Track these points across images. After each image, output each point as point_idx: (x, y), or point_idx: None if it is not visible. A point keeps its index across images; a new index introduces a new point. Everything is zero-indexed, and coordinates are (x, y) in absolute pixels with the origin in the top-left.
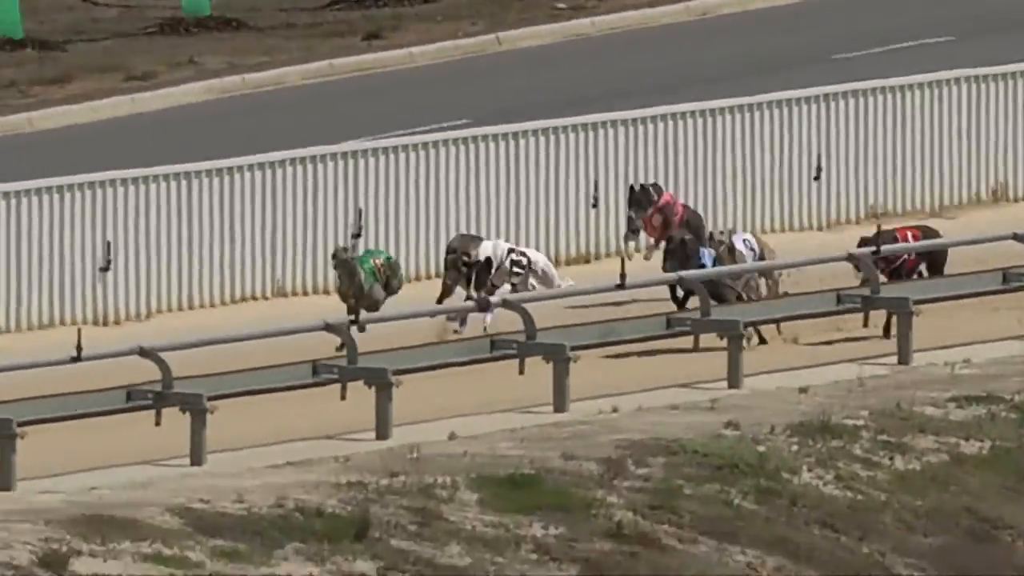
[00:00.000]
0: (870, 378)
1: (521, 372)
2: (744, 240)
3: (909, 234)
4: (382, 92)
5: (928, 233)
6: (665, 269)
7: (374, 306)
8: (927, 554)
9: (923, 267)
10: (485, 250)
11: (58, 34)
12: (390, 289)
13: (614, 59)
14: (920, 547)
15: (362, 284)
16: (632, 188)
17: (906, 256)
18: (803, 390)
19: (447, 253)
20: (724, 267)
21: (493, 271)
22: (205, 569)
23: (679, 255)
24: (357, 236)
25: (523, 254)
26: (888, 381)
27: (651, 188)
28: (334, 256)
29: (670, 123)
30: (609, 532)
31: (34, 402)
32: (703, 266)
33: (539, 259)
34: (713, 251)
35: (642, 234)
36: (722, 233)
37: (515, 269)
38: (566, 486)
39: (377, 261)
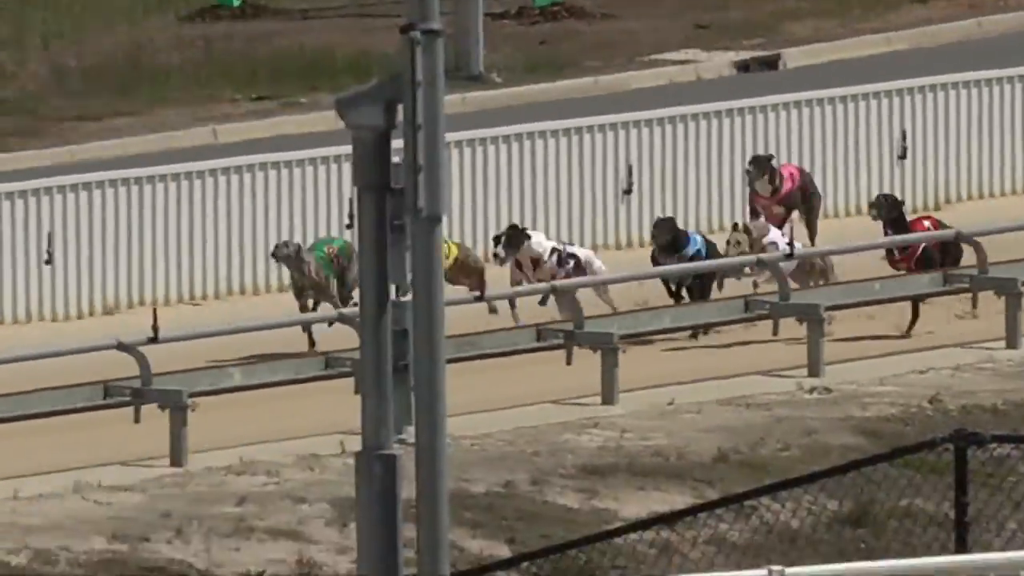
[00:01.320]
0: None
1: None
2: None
3: (928, 223)
4: None
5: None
6: (658, 262)
7: (330, 298)
8: None
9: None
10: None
11: None
12: (345, 279)
13: None
14: None
15: (313, 273)
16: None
17: (925, 245)
18: None
19: None
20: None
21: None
22: None
23: (670, 247)
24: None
25: (572, 255)
26: None
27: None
28: (273, 254)
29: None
30: None
31: None
32: (695, 253)
33: (592, 260)
34: (701, 237)
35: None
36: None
37: (559, 268)
38: None
39: (331, 248)
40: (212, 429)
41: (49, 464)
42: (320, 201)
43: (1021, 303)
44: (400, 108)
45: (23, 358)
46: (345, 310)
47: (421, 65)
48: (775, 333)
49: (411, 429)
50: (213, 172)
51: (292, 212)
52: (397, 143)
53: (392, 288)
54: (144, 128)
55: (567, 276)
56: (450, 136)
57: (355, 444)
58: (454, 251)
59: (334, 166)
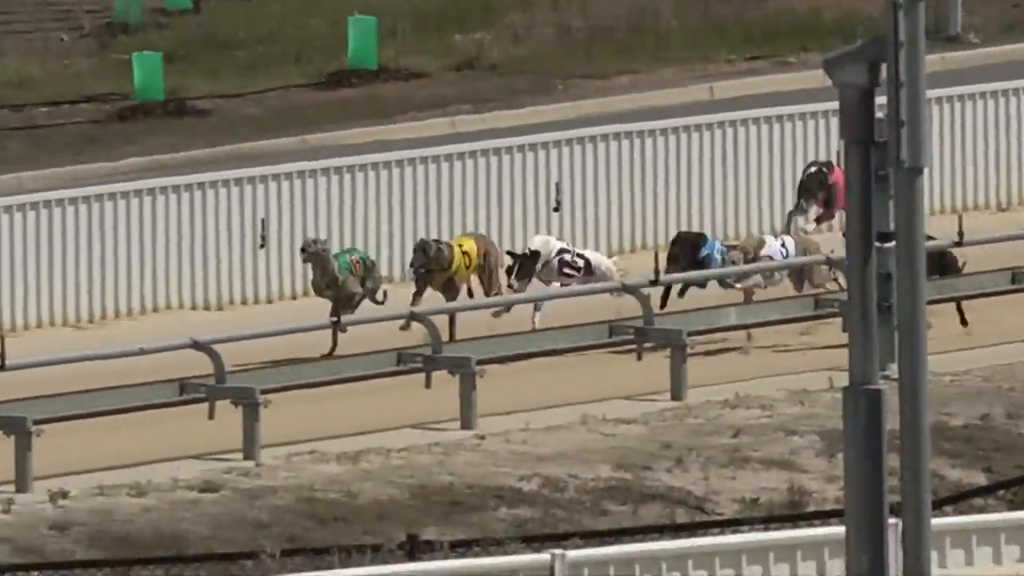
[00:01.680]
0: None
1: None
2: (784, 243)
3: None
4: None
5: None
6: (668, 271)
7: (349, 300)
8: None
9: None
10: (534, 243)
11: None
12: (365, 289)
13: None
14: None
15: (336, 274)
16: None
17: None
18: None
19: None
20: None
21: (539, 266)
22: None
23: (684, 257)
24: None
25: (580, 255)
26: None
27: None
28: (303, 250)
29: None
30: None
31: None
32: (706, 259)
33: (600, 261)
34: (722, 245)
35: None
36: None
37: (565, 270)
38: None
39: (353, 257)
40: (710, 367)
41: (558, 398)
42: (808, 153)
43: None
44: (883, 67)
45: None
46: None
47: (903, 27)
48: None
49: (894, 366)
50: (709, 126)
51: (783, 162)
52: (880, 100)
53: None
54: (645, 86)
55: (573, 277)
56: (930, 93)
57: (843, 380)
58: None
59: (822, 121)
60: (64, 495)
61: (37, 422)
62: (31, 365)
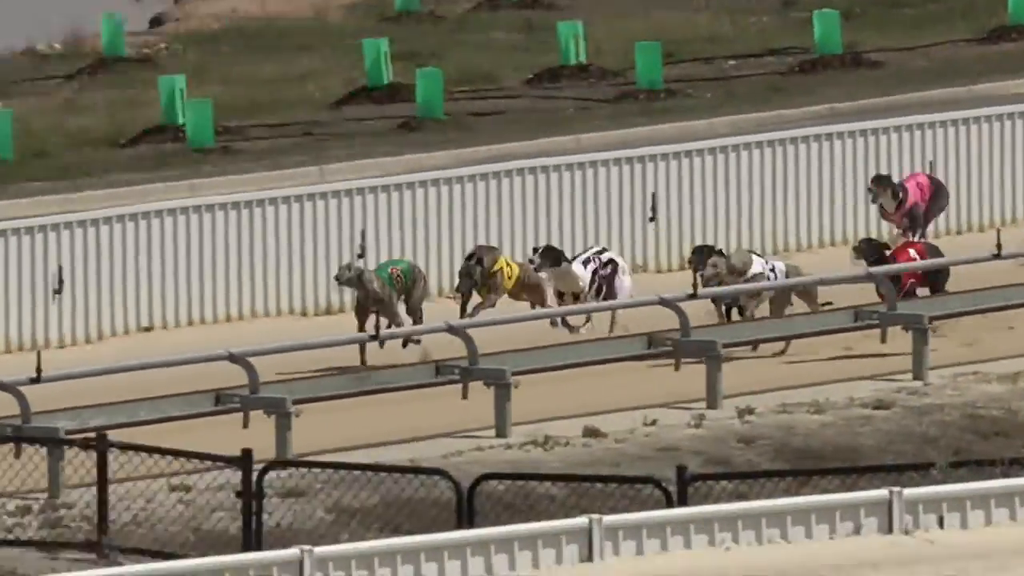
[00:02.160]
0: None
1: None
2: (773, 266)
3: (913, 251)
4: None
5: (935, 252)
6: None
7: (393, 317)
8: None
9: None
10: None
11: None
12: (411, 299)
13: None
14: None
15: (377, 291)
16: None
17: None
18: None
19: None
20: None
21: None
22: None
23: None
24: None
25: (611, 261)
26: None
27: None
28: (337, 279)
29: None
30: None
31: None
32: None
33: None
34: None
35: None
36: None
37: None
38: None
39: (395, 269)
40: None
41: None
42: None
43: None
44: None
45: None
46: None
47: None
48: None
49: None
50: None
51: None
52: None
53: None
54: None
55: (601, 284)
56: None
57: None
58: (516, 271)
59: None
60: (750, 412)
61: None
62: None
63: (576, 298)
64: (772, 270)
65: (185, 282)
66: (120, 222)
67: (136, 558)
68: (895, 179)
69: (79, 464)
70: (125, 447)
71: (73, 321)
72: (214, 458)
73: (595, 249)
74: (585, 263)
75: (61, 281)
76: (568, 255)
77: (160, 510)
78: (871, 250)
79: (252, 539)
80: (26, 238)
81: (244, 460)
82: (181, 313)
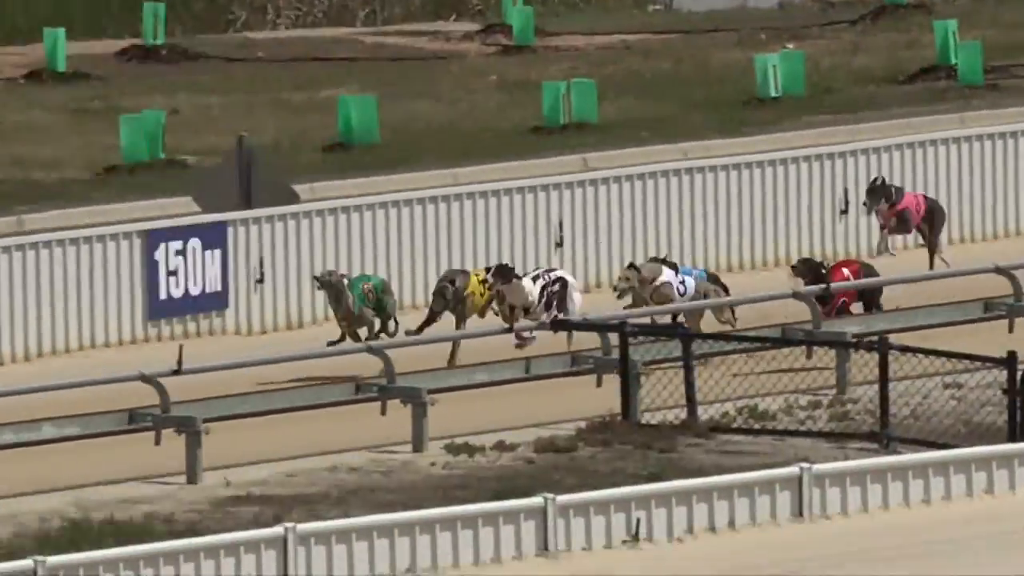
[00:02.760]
0: None
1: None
2: (683, 279)
3: (846, 270)
4: None
5: (868, 271)
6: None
7: (369, 329)
8: None
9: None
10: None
11: None
12: (383, 312)
13: None
14: None
15: (350, 306)
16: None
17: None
18: None
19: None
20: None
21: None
22: None
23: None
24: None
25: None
26: None
27: (892, 188)
28: (318, 279)
29: None
30: None
31: None
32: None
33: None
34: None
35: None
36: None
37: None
38: None
39: (366, 286)
40: None
41: None
42: None
43: None
44: None
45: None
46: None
47: None
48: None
49: None
50: None
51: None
52: None
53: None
54: None
55: (551, 300)
56: None
57: None
58: (483, 294)
59: None
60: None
61: None
62: None
63: (526, 312)
64: (683, 283)
65: None
66: (899, 150)
67: (913, 448)
68: None
69: (863, 364)
70: (904, 349)
71: None
72: (983, 359)
73: (545, 268)
74: (535, 279)
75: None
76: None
77: (935, 405)
78: (807, 269)
79: (1016, 431)
80: (815, 164)
81: (1009, 361)
82: None
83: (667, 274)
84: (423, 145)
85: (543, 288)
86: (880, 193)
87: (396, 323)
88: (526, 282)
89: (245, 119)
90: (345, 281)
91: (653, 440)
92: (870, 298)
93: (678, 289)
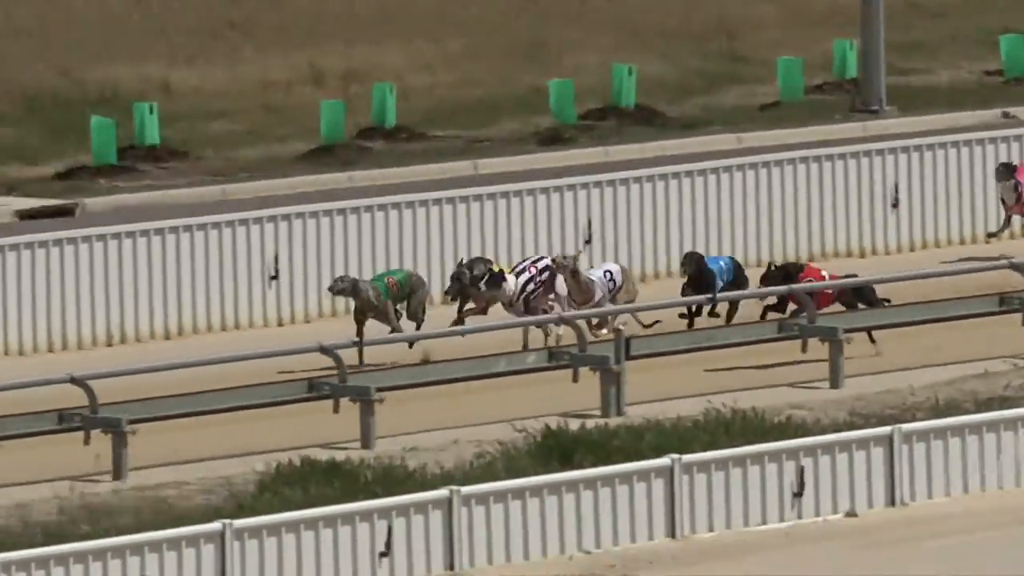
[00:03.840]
0: None
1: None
2: (606, 271)
3: (825, 273)
4: None
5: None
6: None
7: (388, 320)
8: None
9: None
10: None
11: None
12: (410, 305)
13: None
14: None
15: (371, 300)
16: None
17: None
18: None
19: (457, 267)
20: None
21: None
22: None
23: (694, 272)
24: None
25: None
26: None
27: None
28: (330, 290)
29: None
30: None
31: None
32: (712, 280)
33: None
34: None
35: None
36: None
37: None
38: None
39: (391, 279)
40: None
41: None
42: None
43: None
44: None
45: None
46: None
47: None
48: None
49: None
50: None
51: None
52: None
53: None
54: None
55: (536, 290)
56: None
57: None
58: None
59: None
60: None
61: None
62: None
63: (508, 306)
64: (605, 275)
65: None
66: None
67: None
68: None
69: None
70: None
71: None
72: None
73: (533, 258)
74: (519, 273)
75: None
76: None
77: None
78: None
79: None
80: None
81: None
82: None
83: (593, 271)
84: None
85: (529, 279)
86: (1009, 172)
87: (421, 319)
88: (509, 278)
89: None
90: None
91: None
92: (863, 298)
93: (604, 282)
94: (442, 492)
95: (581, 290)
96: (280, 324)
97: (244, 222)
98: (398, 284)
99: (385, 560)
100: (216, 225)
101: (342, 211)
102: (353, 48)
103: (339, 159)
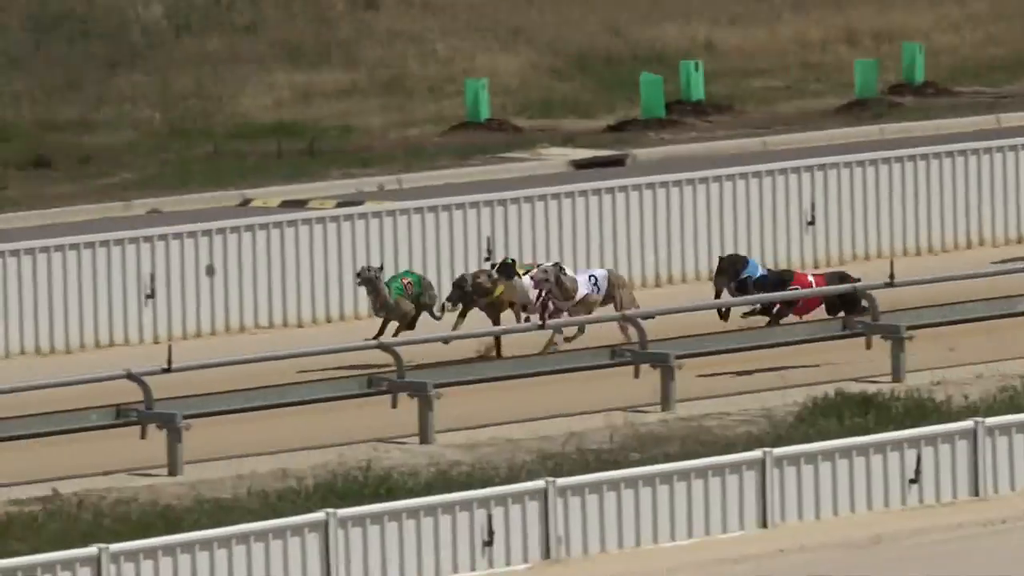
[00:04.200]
0: None
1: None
2: (591, 275)
3: (810, 278)
4: None
5: (845, 278)
6: (716, 284)
7: (403, 319)
8: None
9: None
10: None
11: None
12: (420, 305)
13: None
14: None
15: (387, 299)
16: None
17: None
18: None
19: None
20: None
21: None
22: None
23: (730, 271)
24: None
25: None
26: None
27: None
28: (358, 275)
29: None
30: None
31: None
32: (748, 279)
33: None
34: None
35: None
36: (546, 271)
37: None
38: None
39: (406, 280)
40: None
41: None
42: None
43: None
44: None
45: None
46: None
47: None
48: None
49: None
50: None
51: None
52: None
53: None
54: None
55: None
56: None
57: None
58: (500, 289)
59: None
60: None
61: None
62: None
63: (524, 308)
64: (595, 283)
65: None
66: None
67: None
68: None
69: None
70: None
71: None
72: None
73: (553, 263)
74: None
75: None
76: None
77: None
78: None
79: None
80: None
81: None
82: None
83: (579, 276)
84: None
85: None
86: None
87: (442, 309)
88: (525, 280)
89: None
90: (382, 275)
91: None
92: (848, 305)
93: (591, 286)
94: (967, 423)
95: (564, 291)
96: (815, 265)
97: (783, 171)
98: (411, 285)
99: (914, 487)
100: (757, 174)
101: (873, 162)
102: (886, 10)
103: (871, 113)
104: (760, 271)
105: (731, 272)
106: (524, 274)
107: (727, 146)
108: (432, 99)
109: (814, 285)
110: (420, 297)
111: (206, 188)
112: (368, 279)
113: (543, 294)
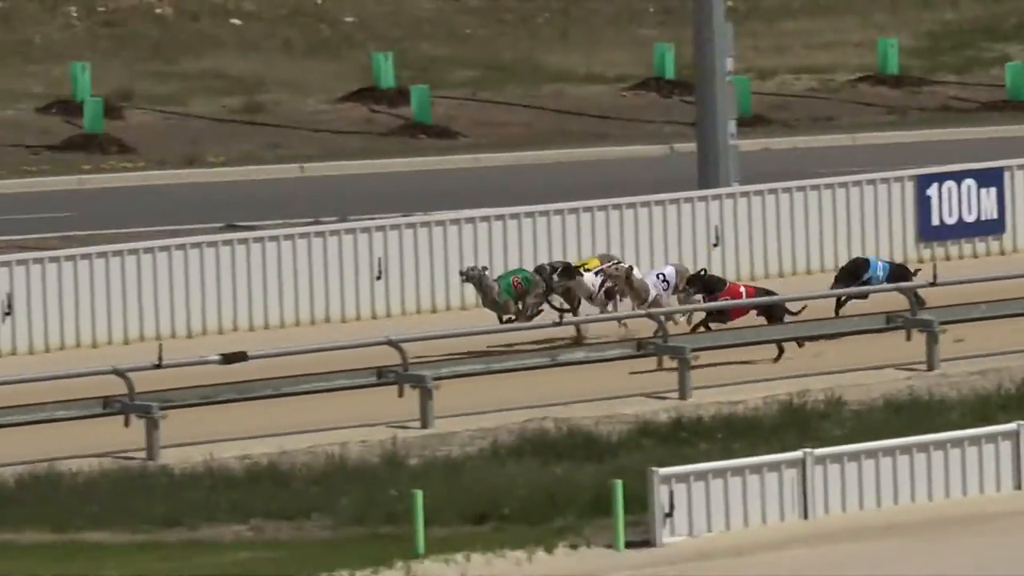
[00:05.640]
0: None
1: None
2: (659, 273)
3: (742, 288)
4: None
5: (761, 294)
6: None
7: (516, 314)
8: None
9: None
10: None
11: None
12: (525, 303)
13: None
14: None
15: (495, 298)
16: None
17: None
18: None
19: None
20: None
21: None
22: None
23: (849, 274)
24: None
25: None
26: None
27: None
28: (462, 274)
29: None
30: None
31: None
32: (869, 280)
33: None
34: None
35: None
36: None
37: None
38: None
39: (515, 279)
40: None
41: None
42: None
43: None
44: None
45: None
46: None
47: None
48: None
49: None
50: None
51: None
52: None
53: None
54: None
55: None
56: None
57: None
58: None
59: None
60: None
61: None
62: None
63: (589, 300)
64: (664, 280)
65: None
66: None
67: None
68: None
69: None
70: None
71: None
72: None
73: (615, 261)
74: (597, 273)
75: None
76: None
77: None
78: (701, 284)
79: None
80: None
81: None
82: None
83: (649, 274)
84: None
85: (604, 279)
86: None
87: (533, 312)
88: (588, 276)
89: None
90: (488, 273)
91: None
92: (771, 315)
93: (661, 284)
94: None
95: (635, 292)
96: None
97: None
98: (521, 283)
99: None
100: None
101: None
102: None
103: None
104: (880, 269)
105: (848, 279)
106: (588, 269)
107: None
108: None
109: (744, 295)
110: (525, 296)
111: None
112: (472, 278)
113: (603, 285)
